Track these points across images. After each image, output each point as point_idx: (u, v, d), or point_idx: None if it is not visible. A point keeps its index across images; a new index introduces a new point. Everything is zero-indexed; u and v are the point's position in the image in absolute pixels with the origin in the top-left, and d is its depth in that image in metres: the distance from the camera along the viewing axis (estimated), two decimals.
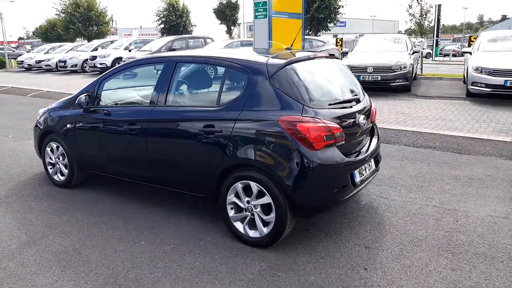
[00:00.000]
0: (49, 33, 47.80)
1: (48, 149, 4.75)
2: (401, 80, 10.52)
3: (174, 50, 18.12)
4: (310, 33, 29.07)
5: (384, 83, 10.60)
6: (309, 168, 2.98)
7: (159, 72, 3.81)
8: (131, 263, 3.04)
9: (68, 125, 4.39)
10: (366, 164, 3.52)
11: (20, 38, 68.19)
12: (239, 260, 3.06)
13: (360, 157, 3.43)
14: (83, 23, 41.19)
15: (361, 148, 3.56)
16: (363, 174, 3.46)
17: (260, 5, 9.45)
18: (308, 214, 3.33)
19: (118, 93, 4.33)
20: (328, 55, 3.98)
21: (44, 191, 4.62)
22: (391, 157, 5.60)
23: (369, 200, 4.22)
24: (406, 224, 3.63)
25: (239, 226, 3.31)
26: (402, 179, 4.76)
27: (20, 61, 25.64)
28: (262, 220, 3.18)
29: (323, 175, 3.06)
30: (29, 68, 24.56)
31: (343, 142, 3.19)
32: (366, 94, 3.96)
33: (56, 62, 22.25)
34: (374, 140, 3.84)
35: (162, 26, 35.39)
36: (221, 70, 3.52)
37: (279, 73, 3.17)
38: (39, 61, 23.83)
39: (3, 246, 3.33)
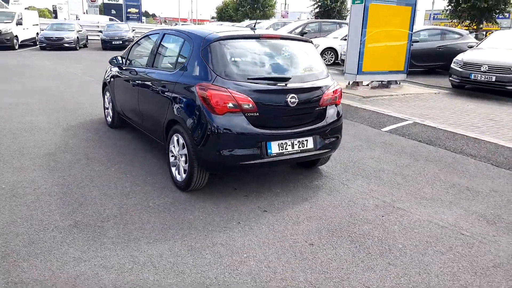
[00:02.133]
0: (223, 14, 53.84)
1: (105, 96, 6.30)
2: None
3: (305, 33, 18.88)
4: (469, 25, 25.82)
5: (500, 85, 9.36)
6: (210, 129, 3.56)
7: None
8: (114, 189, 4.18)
9: (112, 79, 5.81)
10: (291, 140, 3.83)
11: (212, 18, 78.16)
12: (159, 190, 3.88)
13: (281, 131, 3.77)
14: (251, 5, 45.14)
15: (288, 124, 3.86)
16: (284, 148, 3.79)
17: None
18: (211, 169, 3.87)
19: (136, 56, 5.49)
20: (289, 36, 4.37)
21: (99, 128, 6.20)
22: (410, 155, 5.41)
23: (324, 181, 4.42)
24: (335, 210, 3.82)
25: (173, 170, 4.10)
26: (384, 173, 4.71)
27: None
28: (184, 168, 3.90)
29: (224, 138, 3.57)
30: None
31: (256, 113, 3.62)
32: (323, 78, 4.16)
33: None
34: (321, 122, 4.04)
35: (317, 10, 36.32)
36: (181, 41, 4.28)
37: (208, 47, 3.78)
38: None
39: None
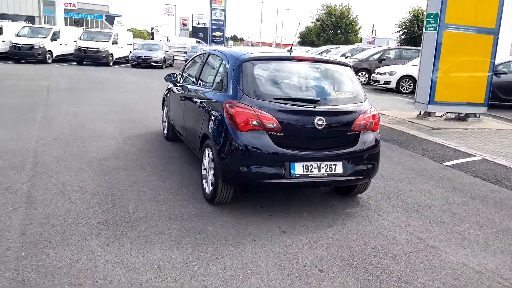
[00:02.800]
0: (305, 39, 54.71)
1: (163, 110, 6.80)
2: None
3: (384, 60, 18.49)
4: None
5: None
6: (233, 145, 3.70)
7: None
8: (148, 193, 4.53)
9: (168, 94, 6.27)
10: (318, 162, 3.81)
11: (296, 44, 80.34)
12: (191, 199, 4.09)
13: (307, 153, 3.78)
14: (334, 30, 45.37)
15: (315, 146, 3.85)
16: (309, 170, 3.78)
17: (431, 17, 9.14)
18: (233, 184, 3.94)
19: (187, 74, 5.85)
20: (325, 59, 4.53)
21: (156, 139, 6.69)
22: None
23: (358, 210, 4.28)
24: (359, 240, 3.71)
25: (204, 183, 4.29)
26: (429, 209, 4.43)
27: None
28: (211, 181, 4.07)
29: (246, 154, 3.68)
30: None
31: (280, 133, 3.69)
32: (358, 102, 4.14)
33: None
34: (352, 147, 3.97)
35: (403, 37, 35.33)
36: (220, 60, 4.52)
37: (240, 66, 3.98)
38: None
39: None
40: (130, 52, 25.14)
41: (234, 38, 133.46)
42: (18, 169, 4.81)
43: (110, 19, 67.59)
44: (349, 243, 3.58)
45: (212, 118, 4.11)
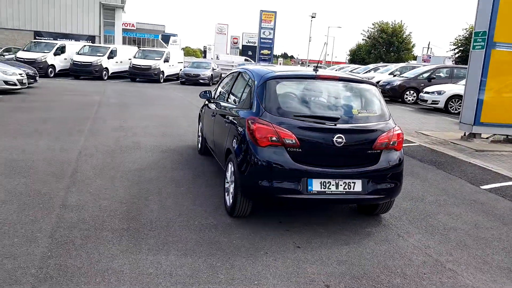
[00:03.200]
0: (355, 56, 54.25)
1: (199, 126, 7.11)
2: None
3: (434, 78, 17.99)
4: None
5: None
6: (252, 159, 3.84)
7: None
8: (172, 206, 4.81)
9: (202, 110, 6.57)
10: (336, 180, 3.86)
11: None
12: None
13: (325, 169, 3.84)
14: (386, 48, 44.67)
15: (334, 163, 3.90)
16: (327, 187, 3.84)
17: (479, 35, 8.89)
18: (251, 198, 4.04)
19: (219, 91, 6.09)
20: (349, 77, 4.58)
21: (190, 153, 7.00)
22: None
23: (378, 229, 4.26)
24: (373, 259, 3.71)
25: (226, 196, 4.46)
26: (455, 232, 4.30)
27: None
28: (232, 195, 4.23)
29: (264, 169, 3.80)
30: None
31: (298, 149, 3.79)
32: (381, 121, 4.19)
33: None
34: (373, 166, 3.98)
35: (459, 55, 34.02)
36: (248, 78, 4.70)
37: (263, 84, 4.15)
38: None
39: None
40: (181, 69, 26.23)
41: (285, 56, 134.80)
42: (58, 177, 5.24)
43: (166, 38, 70.90)
44: (362, 261, 3.58)
45: (236, 133, 4.30)
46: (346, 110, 4.25)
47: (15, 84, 13.37)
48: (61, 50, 23.03)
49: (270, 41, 39.04)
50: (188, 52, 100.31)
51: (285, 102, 4.13)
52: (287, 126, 3.85)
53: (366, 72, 24.49)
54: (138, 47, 27.32)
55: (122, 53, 25.03)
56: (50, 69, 22.03)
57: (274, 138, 3.82)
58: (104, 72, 23.01)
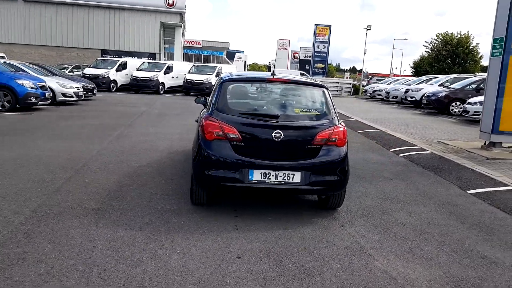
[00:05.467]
0: (419, 69, 52.48)
1: None
2: None
3: (482, 89, 17.22)
4: None
5: None
6: (200, 151, 4.40)
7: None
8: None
9: None
10: (276, 171, 4.28)
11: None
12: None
13: (265, 161, 4.28)
14: (451, 60, 42.83)
15: (273, 156, 4.32)
16: (266, 178, 4.28)
17: (497, 42, 8.71)
18: (200, 185, 4.53)
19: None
20: (300, 81, 4.99)
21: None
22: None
23: (324, 221, 4.57)
24: (290, 242, 4.07)
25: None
26: (403, 227, 4.49)
27: (365, 90, 31.12)
28: None
29: (210, 159, 4.33)
30: (371, 97, 29.37)
31: (241, 143, 4.28)
32: (322, 120, 4.55)
33: (388, 93, 25.71)
34: (311, 160, 4.34)
35: None
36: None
37: (220, 86, 4.72)
38: (374, 91, 28.20)
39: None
40: None
41: (353, 70, 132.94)
42: (66, 170, 6.15)
43: (231, 55, 73.68)
44: (287, 242, 3.96)
45: (197, 131, 4.89)
46: (289, 109, 4.68)
47: (72, 96, 15.11)
48: (123, 66, 25.23)
49: (325, 54, 39.29)
50: (253, 67, 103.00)
51: (234, 101, 4.67)
52: (232, 123, 4.36)
53: (418, 84, 23.89)
54: (194, 64, 29.02)
55: (178, 69, 26.77)
56: (112, 84, 24.22)
57: (219, 133, 4.35)
58: (161, 86, 24.79)
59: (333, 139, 4.45)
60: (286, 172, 4.33)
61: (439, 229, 4.54)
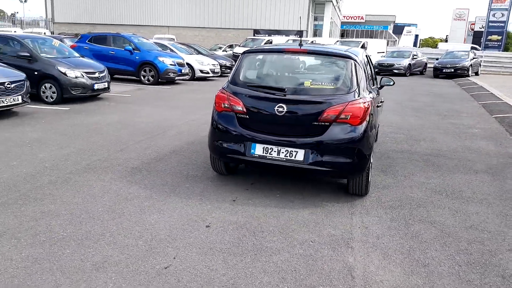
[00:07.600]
0: None
1: None
2: None
3: None
4: None
5: None
6: (212, 122, 4.49)
7: None
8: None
9: None
10: (278, 147, 4.09)
11: None
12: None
13: (267, 136, 4.13)
14: None
15: (277, 131, 4.12)
16: (268, 153, 4.13)
17: None
18: (213, 154, 4.61)
19: None
20: (318, 50, 4.62)
21: None
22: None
23: (330, 205, 4.19)
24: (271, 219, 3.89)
25: None
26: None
27: None
28: None
29: (218, 130, 4.39)
30: None
31: (246, 116, 4.22)
32: (336, 94, 4.11)
33: None
34: (316, 138, 4.00)
35: None
36: None
37: (239, 59, 4.67)
38: None
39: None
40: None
41: None
42: (146, 134, 6.96)
43: (398, 29, 68.80)
44: (268, 219, 3.82)
45: None
46: (299, 82, 4.34)
47: (208, 73, 16.58)
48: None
49: (503, 24, 33.00)
50: (427, 42, 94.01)
51: (246, 73, 4.55)
52: (238, 95, 4.32)
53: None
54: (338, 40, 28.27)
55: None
56: None
57: (226, 105, 4.36)
58: None
59: (345, 117, 3.99)
60: (289, 149, 4.10)
61: (475, 235, 3.69)
